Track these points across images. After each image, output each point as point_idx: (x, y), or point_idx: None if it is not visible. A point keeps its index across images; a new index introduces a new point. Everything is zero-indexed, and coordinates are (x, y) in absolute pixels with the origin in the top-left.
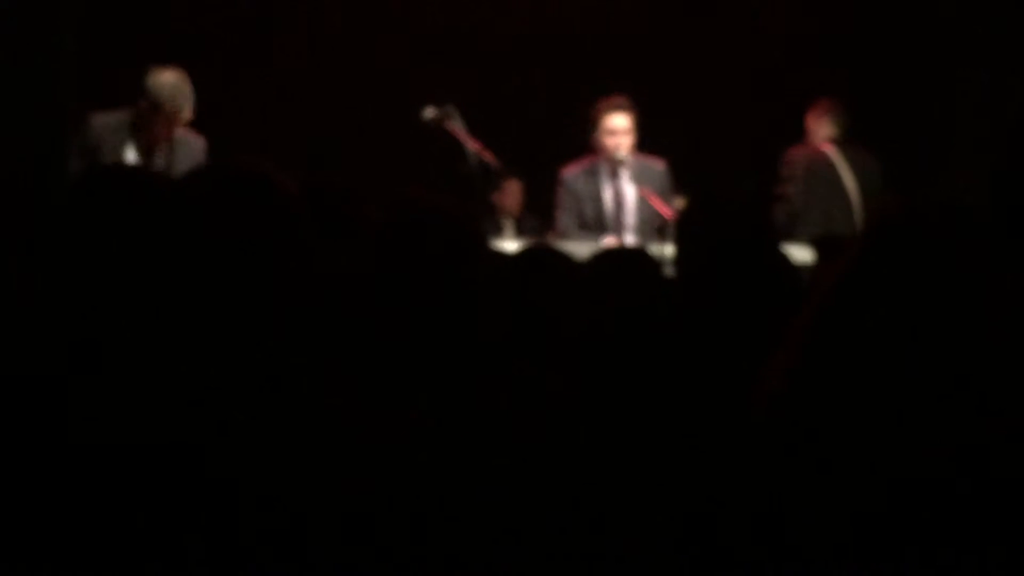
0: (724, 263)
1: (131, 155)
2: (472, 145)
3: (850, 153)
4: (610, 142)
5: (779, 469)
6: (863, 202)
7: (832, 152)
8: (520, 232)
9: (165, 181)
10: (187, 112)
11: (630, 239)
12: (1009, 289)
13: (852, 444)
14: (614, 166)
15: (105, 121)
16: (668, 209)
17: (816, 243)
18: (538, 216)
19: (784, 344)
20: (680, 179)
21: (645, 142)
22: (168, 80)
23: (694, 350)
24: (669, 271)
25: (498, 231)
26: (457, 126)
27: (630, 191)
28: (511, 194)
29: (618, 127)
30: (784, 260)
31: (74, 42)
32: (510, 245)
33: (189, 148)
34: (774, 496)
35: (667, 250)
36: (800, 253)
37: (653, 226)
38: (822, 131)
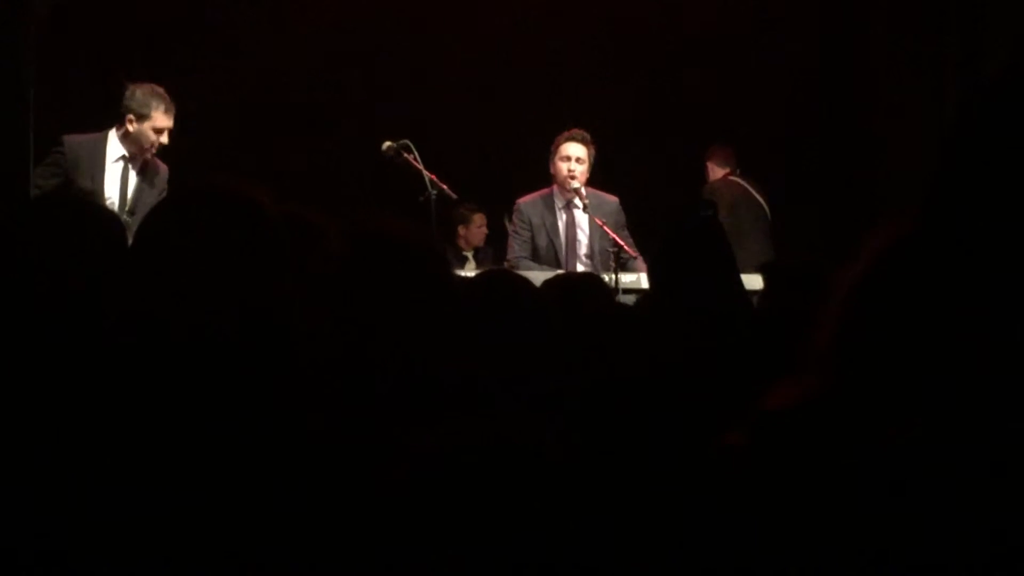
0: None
1: (111, 174)
2: (430, 176)
3: (750, 181)
4: (565, 168)
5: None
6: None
7: (742, 181)
8: (477, 264)
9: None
10: (169, 120)
11: (582, 268)
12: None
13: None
14: (568, 196)
15: (80, 142)
16: (623, 241)
17: (764, 270)
18: (493, 248)
19: (803, 363)
20: (632, 215)
21: (600, 179)
22: (148, 91)
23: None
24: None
25: (460, 263)
26: (413, 158)
27: (584, 221)
28: (476, 227)
29: (573, 154)
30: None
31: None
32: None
33: (155, 173)
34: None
35: (621, 279)
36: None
37: (606, 257)
38: (719, 171)
